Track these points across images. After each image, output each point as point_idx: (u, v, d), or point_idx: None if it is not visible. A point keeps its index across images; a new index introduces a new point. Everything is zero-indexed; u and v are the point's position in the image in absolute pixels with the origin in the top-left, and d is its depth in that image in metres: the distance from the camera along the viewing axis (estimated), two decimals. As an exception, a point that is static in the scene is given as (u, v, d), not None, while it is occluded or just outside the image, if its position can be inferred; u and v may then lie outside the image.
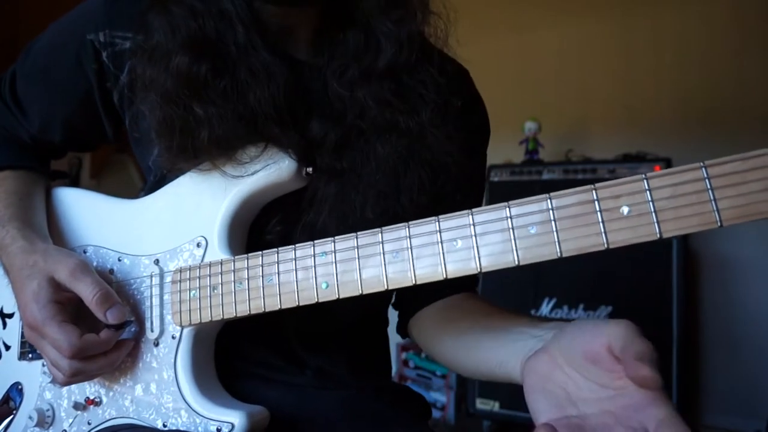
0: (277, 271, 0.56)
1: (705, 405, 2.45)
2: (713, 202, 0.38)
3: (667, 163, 2.17)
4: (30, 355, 0.73)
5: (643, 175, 0.41)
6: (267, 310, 0.56)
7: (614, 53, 2.74)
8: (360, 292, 0.50)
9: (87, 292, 0.60)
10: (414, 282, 0.48)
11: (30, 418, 0.69)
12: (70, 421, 0.68)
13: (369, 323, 0.79)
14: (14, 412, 0.74)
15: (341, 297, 0.52)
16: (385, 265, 0.50)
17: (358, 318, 0.75)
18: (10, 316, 0.78)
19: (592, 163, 2.32)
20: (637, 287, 2.07)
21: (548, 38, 2.87)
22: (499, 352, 0.57)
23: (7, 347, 0.78)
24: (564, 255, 0.43)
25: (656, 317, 2.05)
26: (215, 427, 0.58)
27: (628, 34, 2.71)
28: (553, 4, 2.87)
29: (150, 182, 0.72)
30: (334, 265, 0.52)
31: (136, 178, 3.41)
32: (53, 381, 0.65)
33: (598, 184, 0.42)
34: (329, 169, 0.63)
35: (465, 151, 0.68)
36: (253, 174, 0.61)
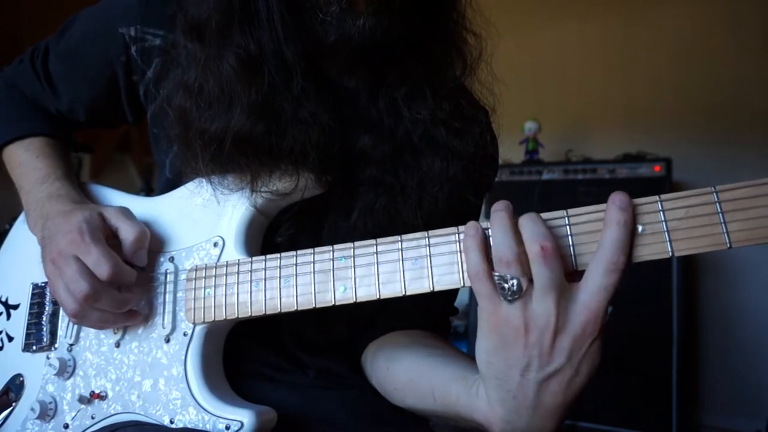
0: (295, 273, 0.57)
1: (705, 405, 2.47)
2: (723, 225, 0.41)
3: (667, 163, 2.18)
4: (34, 347, 0.73)
5: (658, 197, 0.43)
6: (283, 311, 0.57)
7: (614, 53, 2.78)
8: (378, 296, 0.52)
9: (130, 228, 0.64)
10: (432, 289, 0.50)
11: (32, 409, 0.69)
12: (73, 414, 0.68)
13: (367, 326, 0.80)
14: (13, 404, 0.74)
15: (359, 301, 0.53)
16: (403, 271, 0.51)
17: (353, 327, 0.76)
18: (15, 307, 0.78)
19: (592, 163, 2.33)
20: (637, 287, 2.03)
21: (548, 38, 2.90)
22: (466, 367, 0.57)
23: (10, 338, 0.77)
24: (579, 269, 0.45)
25: (656, 317, 2.07)
26: (224, 425, 0.59)
27: (627, 34, 2.75)
28: (553, 5, 2.91)
29: (166, 178, 0.73)
30: (353, 269, 0.54)
31: (136, 178, 3.40)
32: (64, 309, 0.62)
33: (613, 203, 0.45)
34: (374, 180, 0.65)
35: (476, 183, 0.71)
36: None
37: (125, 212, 0.66)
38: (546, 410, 0.45)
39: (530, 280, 0.44)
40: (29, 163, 0.76)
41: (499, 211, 0.47)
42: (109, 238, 0.64)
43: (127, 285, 0.63)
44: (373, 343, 0.75)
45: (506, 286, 0.44)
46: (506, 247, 0.45)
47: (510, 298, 0.44)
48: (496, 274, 0.45)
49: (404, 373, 0.65)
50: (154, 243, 0.69)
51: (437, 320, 0.78)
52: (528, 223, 0.45)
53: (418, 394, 0.62)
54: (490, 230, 0.47)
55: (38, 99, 0.81)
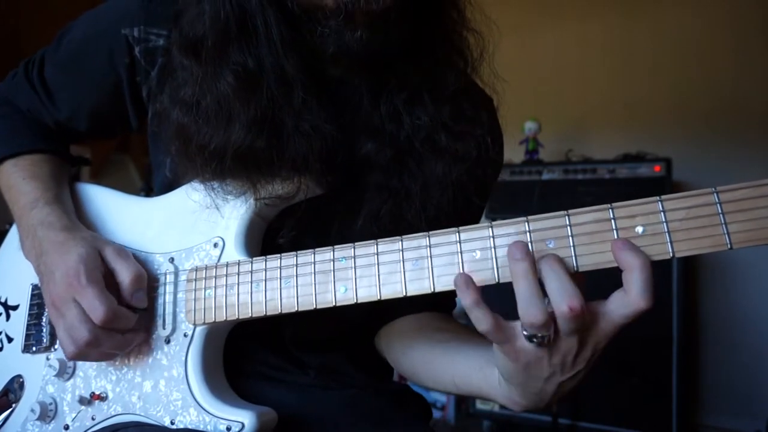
0: (295, 273, 0.57)
1: (705, 405, 2.47)
2: (724, 226, 0.41)
3: (668, 163, 2.18)
4: (34, 348, 0.73)
5: (659, 198, 0.43)
6: (283, 312, 0.57)
7: (614, 53, 2.78)
8: (378, 297, 0.52)
9: (127, 271, 0.63)
10: (433, 290, 0.50)
11: (32, 410, 0.69)
12: (74, 415, 0.68)
13: (367, 326, 0.80)
14: (13, 405, 0.74)
15: (359, 302, 0.53)
16: (404, 272, 0.51)
17: (352, 327, 0.76)
18: (15, 308, 0.78)
19: (592, 163, 2.32)
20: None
21: (548, 38, 2.90)
22: (482, 354, 0.60)
23: (10, 339, 0.77)
24: (580, 270, 0.45)
25: (656, 318, 2.06)
26: (225, 426, 0.59)
27: (627, 33, 2.75)
28: (553, 5, 2.91)
29: (165, 178, 0.73)
30: (353, 270, 0.54)
31: (136, 178, 3.40)
32: (63, 351, 0.63)
33: (614, 204, 0.45)
34: (379, 185, 0.65)
35: (479, 184, 0.71)
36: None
37: (122, 252, 0.65)
38: (561, 395, 0.52)
39: (556, 330, 0.46)
40: (17, 186, 0.73)
41: (520, 261, 0.45)
42: (107, 276, 0.63)
43: (125, 329, 0.62)
44: (384, 329, 0.77)
45: (536, 340, 0.47)
46: (537, 311, 0.44)
47: (538, 345, 0.47)
48: (525, 333, 0.47)
49: (420, 359, 0.69)
50: (153, 244, 0.69)
51: (444, 300, 0.80)
52: (552, 276, 0.44)
53: (437, 379, 0.66)
54: (513, 284, 0.46)
55: (34, 112, 0.79)
